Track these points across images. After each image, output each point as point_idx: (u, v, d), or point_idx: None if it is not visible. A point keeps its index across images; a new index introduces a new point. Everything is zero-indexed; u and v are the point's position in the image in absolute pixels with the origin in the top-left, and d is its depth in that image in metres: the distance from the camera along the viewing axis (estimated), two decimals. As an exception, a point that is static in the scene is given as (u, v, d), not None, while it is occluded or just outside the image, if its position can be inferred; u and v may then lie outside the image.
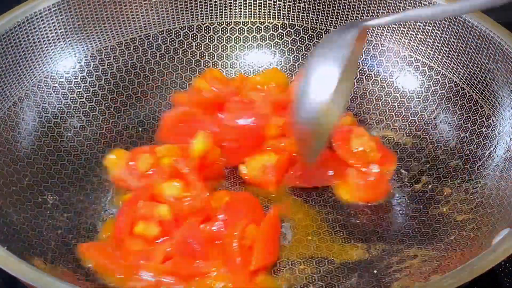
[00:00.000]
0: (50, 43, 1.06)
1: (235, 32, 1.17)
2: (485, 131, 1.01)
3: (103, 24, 1.10)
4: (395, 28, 1.11)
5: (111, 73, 1.12)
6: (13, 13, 1.02)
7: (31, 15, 1.03)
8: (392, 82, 1.13)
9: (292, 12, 1.16)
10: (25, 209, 0.94)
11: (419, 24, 1.09)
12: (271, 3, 1.16)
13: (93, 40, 1.10)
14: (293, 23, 1.16)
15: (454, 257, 0.90)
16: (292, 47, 1.17)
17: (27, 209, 0.95)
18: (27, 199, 0.96)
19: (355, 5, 1.12)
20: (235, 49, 1.18)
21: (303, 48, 1.16)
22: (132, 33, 1.13)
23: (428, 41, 1.09)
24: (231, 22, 1.17)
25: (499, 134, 0.99)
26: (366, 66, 1.14)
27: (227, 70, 1.17)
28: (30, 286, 0.77)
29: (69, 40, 1.08)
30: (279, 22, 1.17)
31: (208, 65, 1.17)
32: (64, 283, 0.76)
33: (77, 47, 1.09)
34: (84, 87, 1.09)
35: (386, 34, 1.12)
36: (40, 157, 1.02)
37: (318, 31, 1.15)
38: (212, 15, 1.16)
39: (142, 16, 1.13)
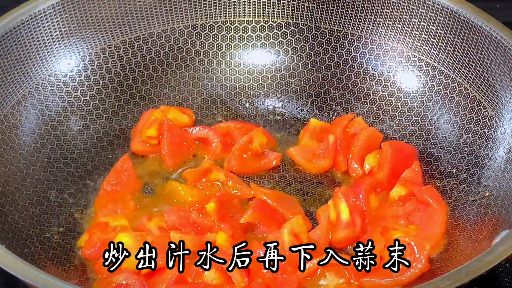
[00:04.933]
0: (53, 42, 1.06)
1: (239, 31, 1.17)
2: (488, 132, 1.01)
3: (106, 23, 1.10)
4: (399, 27, 1.11)
5: (115, 72, 1.12)
6: (16, 12, 1.03)
7: (34, 14, 1.03)
8: (395, 82, 1.13)
9: (296, 11, 1.15)
10: (27, 206, 0.95)
11: (423, 23, 1.08)
12: (275, 2, 1.15)
13: (96, 39, 1.10)
14: (297, 22, 1.16)
15: (454, 258, 0.90)
16: (296, 46, 1.17)
17: (29, 206, 0.96)
18: (29, 197, 0.97)
19: (359, 4, 1.12)
20: (238, 48, 1.18)
21: (307, 47, 1.16)
22: (136, 31, 1.13)
23: (431, 41, 1.08)
24: (235, 21, 1.17)
25: (501, 135, 0.99)
26: (370, 65, 1.14)
27: (231, 69, 1.17)
28: (30, 286, 0.77)
29: (72, 39, 1.08)
30: (283, 21, 1.16)
31: (212, 64, 1.17)
32: (64, 283, 0.76)
33: (80, 46, 1.09)
34: (88, 86, 1.10)
35: (390, 34, 1.12)
36: (43, 155, 1.02)
37: (322, 30, 1.15)
38: (216, 14, 1.16)
39: (145, 14, 1.13)
